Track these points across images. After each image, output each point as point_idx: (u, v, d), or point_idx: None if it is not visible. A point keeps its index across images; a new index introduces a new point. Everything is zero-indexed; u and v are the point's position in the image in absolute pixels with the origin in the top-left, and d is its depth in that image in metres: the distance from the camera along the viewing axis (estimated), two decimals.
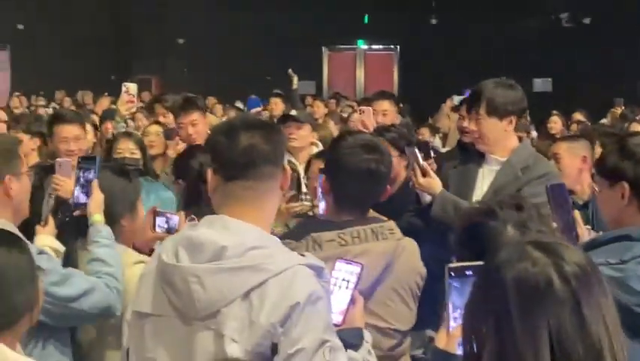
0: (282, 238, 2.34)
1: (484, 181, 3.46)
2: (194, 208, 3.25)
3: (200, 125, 4.73)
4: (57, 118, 4.48)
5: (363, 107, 5.07)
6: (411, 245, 2.58)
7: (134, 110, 5.04)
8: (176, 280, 1.93)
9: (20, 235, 2.41)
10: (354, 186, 2.51)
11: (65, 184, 3.30)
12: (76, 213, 2.97)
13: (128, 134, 4.58)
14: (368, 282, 2.36)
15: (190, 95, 4.99)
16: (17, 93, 14.97)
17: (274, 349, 1.86)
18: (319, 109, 8.70)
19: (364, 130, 4.40)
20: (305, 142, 4.69)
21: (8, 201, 2.60)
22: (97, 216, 2.81)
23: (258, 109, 11.27)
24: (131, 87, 5.08)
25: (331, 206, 2.58)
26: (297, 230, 2.54)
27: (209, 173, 2.07)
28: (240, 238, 1.93)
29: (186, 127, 4.76)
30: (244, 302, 1.88)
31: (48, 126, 4.46)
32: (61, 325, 2.68)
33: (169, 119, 5.37)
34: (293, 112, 5.21)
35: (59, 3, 17.60)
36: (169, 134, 5.30)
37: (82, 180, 3.01)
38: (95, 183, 2.87)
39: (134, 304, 2.12)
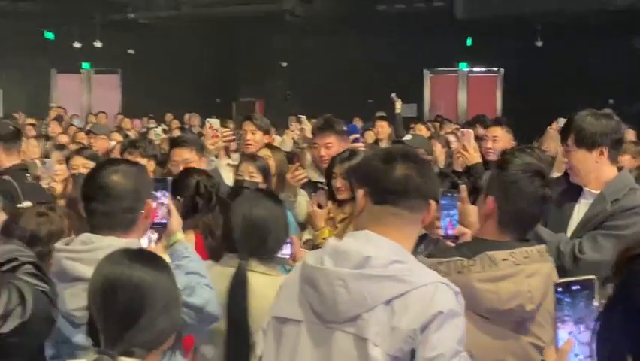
0: (446, 254, 2.47)
1: (579, 215, 3.38)
2: (191, 219, 3.59)
3: (333, 148, 4.71)
4: (172, 142, 4.72)
5: (464, 130, 5.04)
6: None
7: (220, 144, 5.12)
8: (321, 282, 2.04)
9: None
10: (527, 210, 2.56)
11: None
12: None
13: (252, 158, 4.69)
14: (536, 303, 2.41)
15: (330, 117, 5.03)
16: (120, 116, 15.48)
17: (412, 355, 1.95)
18: (422, 132, 8.68)
19: (464, 154, 4.40)
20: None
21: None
22: (179, 235, 2.91)
23: (356, 135, 11.29)
24: (214, 123, 5.16)
25: (493, 227, 2.58)
26: (465, 248, 2.56)
27: (360, 193, 2.19)
28: (383, 251, 2.04)
29: (320, 148, 4.83)
30: (386, 309, 1.97)
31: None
32: (197, 333, 2.82)
33: (256, 136, 5.41)
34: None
35: (167, 28, 18.17)
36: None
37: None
38: (172, 204, 2.94)
39: (272, 311, 2.22)
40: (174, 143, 4.84)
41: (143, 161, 4.64)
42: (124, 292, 2.06)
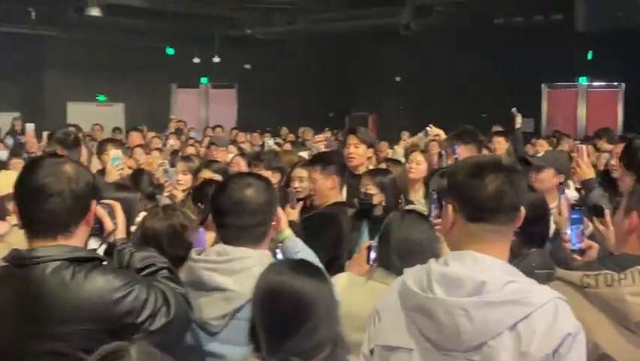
0: (590, 268, 2.43)
1: None
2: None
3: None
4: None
5: (579, 146, 4.92)
6: None
7: None
8: (438, 312, 2.00)
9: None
10: None
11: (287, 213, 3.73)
12: None
13: (372, 174, 4.74)
14: None
15: (468, 128, 5.09)
16: (235, 130, 15.80)
17: None
18: (543, 147, 8.51)
19: (577, 169, 4.31)
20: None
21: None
22: (287, 232, 3.07)
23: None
24: None
25: (638, 242, 2.53)
26: (609, 262, 2.50)
27: (449, 209, 2.16)
28: (494, 272, 2.02)
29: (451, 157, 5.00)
30: (511, 334, 1.95)
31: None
32: None
33: (359, 149, 5.47)
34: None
35: (283, 43, 18.49)
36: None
37: None
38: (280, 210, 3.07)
39: (377, 339, 2.19)
40: None
41: (267, 173, 4.78)
42: (287, 300, 2.13)
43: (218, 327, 2.56)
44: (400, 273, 2.85)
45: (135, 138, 9.55)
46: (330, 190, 4.49)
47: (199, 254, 2.74)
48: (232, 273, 2.56)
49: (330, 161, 4.62)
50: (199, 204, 4.30)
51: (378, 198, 4.46)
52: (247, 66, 19.98)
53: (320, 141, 6.54)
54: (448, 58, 17.24)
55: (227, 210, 2.69)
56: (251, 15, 17.07)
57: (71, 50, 18.07)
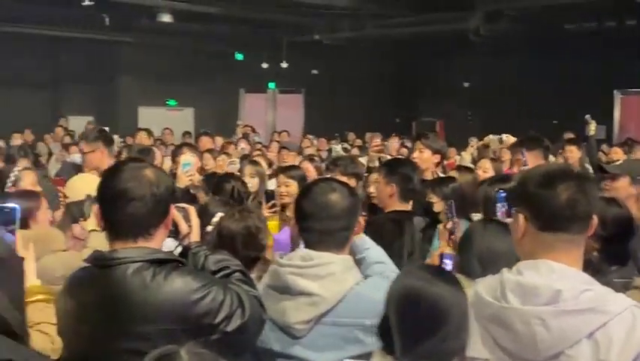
0: None
1: None
2: None
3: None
4: None
5: None
6: None
7: None
8: (514, 322, 2.01)
9: None
10: None
11: None
12: None
13: (433, 182, 4.73)
14: None
15: (534, 134, 5.08)
16: (279, 132, 15.89)
17: None
18: (617, 155, 8.35)
19: None
20: None
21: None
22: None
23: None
24: None
25: None
26: None
27: (520, 218, 2.15)
28: (570, 281, 2.01)
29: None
30: (589, 343, 1.95)
31: None
32: None
33: (424, 154, 5.46)
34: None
35: (350, 49, 18.52)
36: None
37: None
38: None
39: None
40: None
41: (343, 179, 4.81)
42: (425, 305, 2.14)
43: (302, 331, 2.58)
44: None
45: (205, 142, 9.68)
46: (389, 198, 4.44)
47: (280, 257, 2.76)
48: (318, 278, 2.57)
49: (394, 168, 4.61)
50: (216, 195, 4.50)
51: (438, 206, 4.44)
52: (314, 71, 20.08)
53: (376, 146, 6.57)
54: (518, 64, 17.03)
55: (311, 214, 2.71)
56: (319, 21, 17.15)
57: (143, 55, 18.48)
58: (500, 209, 3.71)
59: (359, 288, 2.57)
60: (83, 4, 14.50)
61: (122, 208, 2.34)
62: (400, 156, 6.85)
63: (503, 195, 3.79)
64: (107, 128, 10.29)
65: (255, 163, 6.09)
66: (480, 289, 2.15)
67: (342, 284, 2.56)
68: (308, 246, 2.70)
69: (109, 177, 2.43)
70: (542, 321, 1.97)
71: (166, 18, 15.99)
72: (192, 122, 19.21)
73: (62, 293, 2.46)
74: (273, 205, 5.20)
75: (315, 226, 2.68)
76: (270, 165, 7.77)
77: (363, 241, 2.99)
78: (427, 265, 2.49)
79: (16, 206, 3.27)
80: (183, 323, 2.26)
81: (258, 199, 5.35)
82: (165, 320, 2.26)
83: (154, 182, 2.38)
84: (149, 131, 10.17)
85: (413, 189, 4.49)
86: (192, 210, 2.71)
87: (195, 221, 2.68)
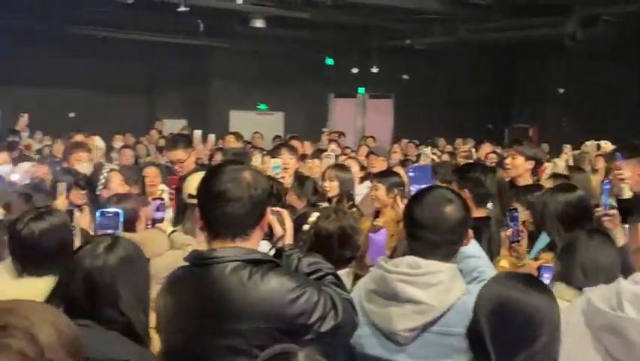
0: None
1: None
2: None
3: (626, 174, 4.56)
4: None
5: None
6: None
7: None
8: (630, 332, 2.05)
9: None
10: None
11: None
12: None
13: (520, 190, 4.69)
14: None
15: (632, 142, 4.98)
16: (367, 137, 15.87)
17: None
18: None
19: None
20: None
21: None
22: None
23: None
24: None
25: None
26: None
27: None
28: None
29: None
30: None
31: None
32: None
33: (516, 160, 5.45)
34: None
35: (442, 54, 18.45)
36: None
37: None
38: None
39: (566, 358, 2.20)
40: None
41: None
42: (521, 316, 2.15)
43: (407, 339, 2.56)
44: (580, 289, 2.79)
45: (296, 146, 9.77)
46: None
47: (386, 263, 2.73)
48: (427, 286, 2.54)
49: (465, 173, 4.54)
50: None
51: (523, 215, 4.35)
52: (405, 77, 20.07)
53: (464, 152, 6.57)
54: (615, 69, 16.60)
55: (425, 225, 2.66)
56: (411, 26, 17.14)
57: (235, 60, 18.81)
58: (512, 227, 3.85)
59: (466, 298, 2.53)
60: (179, 10, 14.88)
61: (220, 209, 2.41)
62: (470, 161, 6.77)
63: (516, 215, 3.92)
64: (200, 131, 10.59)
65: (339, 166, 6.10)
66: (593, 297, 2.14)
67: (450, 293, 2.53)
68: (415, 253, 2.67)
69: (209, 179, 2.49)
70: None
71: (258, 24, 16.25)
72: (282, 126, 19.43)
73: (162, 291, 2.53)
74: (352, 206, 5.26)
75: (428, 236, 2.64)
76: (362, 168, 7.82)
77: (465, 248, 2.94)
78: (517, 273, 2.42)
79: (120, 210, 3.46)
80: (278, 321, 2.31)
81: (341, 202, 5.39)
82: (260, 318, 2.31)
83: (252, 184, 2.44)
84: (237, 135, 10.35)
85: (486, 193, 4.42)
86: (286, 213, 2.76)
87: (289, 224, 2.73)
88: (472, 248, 2.95)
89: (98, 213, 3.48)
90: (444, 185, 3.56)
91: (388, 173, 5.54)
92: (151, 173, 6.10)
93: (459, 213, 2.68)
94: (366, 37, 18.02)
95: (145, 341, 2.40)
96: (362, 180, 7.10)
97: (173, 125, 16.79)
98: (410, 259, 2.66)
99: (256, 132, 14.04)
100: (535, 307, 2.14)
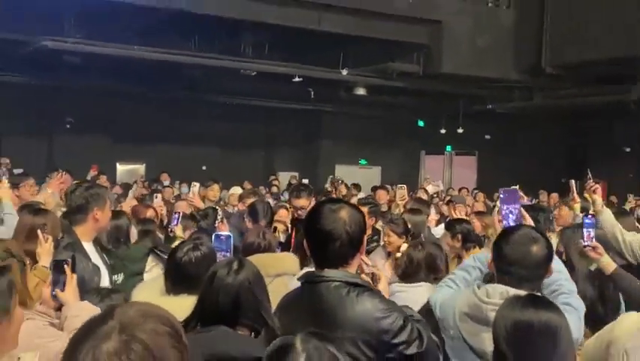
0: None
1: None
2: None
3: None
4: None
5: None
6: None
7: None
8: None
9: None
10: None
11: None
12: None
13: None
14: None
15: None
16: (476, 191, 15.83)
17: None
18: None
19: None
20: None
21: None
22: None
23: None
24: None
25: None
26: None
27: None
28: None
29: None
30: None
31: None
32: None
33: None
34: None
35: (521, 116, 18.28)
36: None
37: None
38: None
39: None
40: None
41: None
42: (537, 334, 2.11)
43: None
44: None
45: (381, 195, 10.04)
46: None
47: (479, 290, 2.74)
48: None
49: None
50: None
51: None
52: (487, 136, 19.96)
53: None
54: None
55: (514, 261, 2.66)
56: (493, 92, 17.18)
57: (340, 122, 19.08)
58: (586, 233, 3.86)
59: None
60: (293, 80, 15.47)
61: (325, 247, 2.47)
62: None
63: (589, 221, 3.93)
64: (306, 181, 10.99)
65: (412, 210, 6.11)
66: None
67: (496, 315, 2.44)
68: (505, 283, 2.67)
69: (313, 219, 2.54)
70: None
71: (360, 91, 16.60)
72: (379, 179, 19.63)
73: (282, 303, 2.61)
74: None
75: (517, 271, 2.65)
76: (441, 215, 8.10)
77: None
78: (523, 296, 2.31)
79: (230, 234, 3.60)
80: (365, 334, 2.31)
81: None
82: (352, 329, 2.31)
83: (348, 222, 2.46)
84: (336, 183, 10.68)
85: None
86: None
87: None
88: (554, 263, 2.85)
89: (214, 236, 3.57)
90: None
91: (463, 220, 5.70)
92: (283, 213, 6.35)
93: (544, 250, 2.68)
94: (453, 103, 18.04)
95: None
96: (437, 223, 7.38)
97: (286, 177, 17.27)
98: (502, 288, 2.66)
99: (353, 184, 13.95)
100: (547, 324, 2.11)
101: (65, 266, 2.88)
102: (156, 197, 7.95)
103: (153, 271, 4.12)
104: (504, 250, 2.70)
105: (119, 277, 4.08)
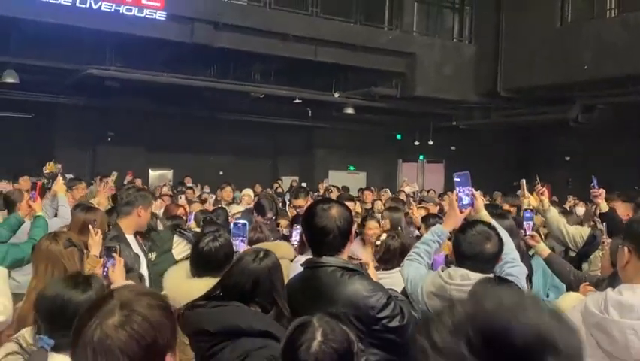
0: None
1: None
2: None
3: None
4: None
5: None
6: None
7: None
8: (613, 330, 1.88)
9: None
10: None
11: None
12: None
13: None
14: None
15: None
16: (427, 190, 15.85)
17: None
18: None
19: None
20: None
21: None
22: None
23: None
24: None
25: None
26: None
27: (625, 250, 1.98)
28: None
29: None
30: None
31: None
32: None
33: None
34: None
35: (480, 132, 18.29)
36: None
37: None
38: None
39: None
40: None
41: None
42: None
43: None
44: None
45: (367, 195, 10.07)
46: None
47: (443, 273, 2.71)
48: None
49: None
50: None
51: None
52: (452, 147, 19.96)
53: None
54: (610, 143, 16.18)
55: (470, 257, 2.63)
56: (457, 111, 17.20)
57: (333, 135, 18.97)
58: (526, 225, 3.91)
59: None
60: (294, 102, 15.49)
61: (321, 240, 2.47)
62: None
63: (529, 215, 3.98)
64: (304, 184, 10.97)
65: (393, 210, 6.01)
66: (589, 302, 1.98)
67: None
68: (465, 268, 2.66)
69: (309, 218, 2.53)
70: (634, 332, 1.85)
71: (349, 110, 16.59)
72: (365, 182, 19.57)
73: (287, 285, 2.59)
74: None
75: (473, 264, 2.63)
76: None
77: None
78: (488, 278, 2.32)
79: (246, 222, 3.58)
80: (354, 310, 2.30)
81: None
82: (345, 305, 2.30)
83: (337, 217, 2.46)
84: (331, 188, 10.68)
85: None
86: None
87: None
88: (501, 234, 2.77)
89: (232, 225, 3.53)
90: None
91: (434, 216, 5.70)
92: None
93: (495, 248, 2.62)
94: (425, 120, 18.02)
95: (284, 322, 2.39)
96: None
97: (288, 181, 17.24)
98: (462, 271, 2.64)
99: (343, 186, 13.96)
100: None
101: (114, 253, 2.92)
102: (181, 197, 8.01)
103: (180, 247, 4.12)
104: (462, 247, 2.68)
105: (153, 255, 4.08)
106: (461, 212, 2.91)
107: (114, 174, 6.90)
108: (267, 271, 2.47)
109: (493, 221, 2.86)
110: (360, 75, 15.20)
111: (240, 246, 3.32)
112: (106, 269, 2.87)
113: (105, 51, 12.62)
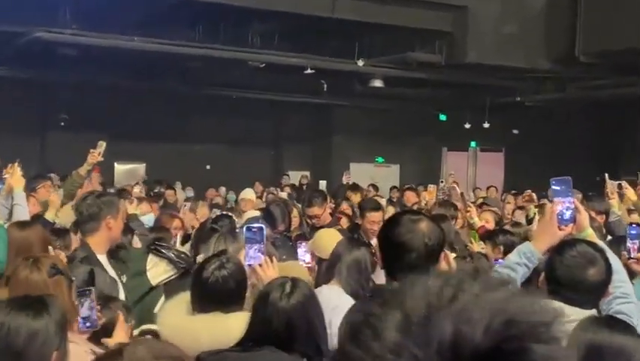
0: None
1: None
2: None
3: None
4: None
5: None
6: None
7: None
8: None
9: None
10: None
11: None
12: None
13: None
14: None
15: None
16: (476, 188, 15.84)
17: None
18: None
19: None
20: None
21: None
22: (589, 231, 2.96)
23: None
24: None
25: None
26: None
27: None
28: None
29: None
30: None
31: None
32: None
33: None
34: None
35: (552, 110, 18.26)
36: None
37: None
38: None
39: None
40: None
41: None
42: (612, 359, 2.14)
43: None
44: None
45: (410, 196, 10.01)
46: None
47: None
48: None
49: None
50: None
51: None
52: (515, 131, 19.96)
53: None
54: None
55: (566, 284, 2.68)
56: (521, 83, 17.18)
57: (355, 116, 19.12)
58: (632, 245, 3.86)
59: None
60: (305, 72, 15.50)
61: (401, 257, 2.49)
62: None
63: (635, 232, 3.92)
64: (325, 182, 11.02)
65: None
66: None
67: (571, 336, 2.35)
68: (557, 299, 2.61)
69: (388, 229, 2.59)
70: None
71: (377, 83, 16.59)
72: (398, 178, 19.62)
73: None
74: None
75: (568, 295, 2.62)
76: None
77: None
78: (599, 317, 2.36)
79: (262, 226, 3.53)
80: None
81: None
82: None
83: (427, 234, 2.51)
84: (354, 185, 10.67)
85: None
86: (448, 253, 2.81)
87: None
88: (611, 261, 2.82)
89: (245, 229, 3.54)
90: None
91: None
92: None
93: (602, 273, 2.66)
94: (478, 95, 18.06)
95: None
96: None
97: (296, 176, 17.26)
98: (557, 305, 2.49)
99: (371, 184, 14.05)
100: (620, 348, 2.13)
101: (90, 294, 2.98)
102: (184, 205, 8.04)
103: (159, 269, 4.19)
104: (557, 271, 2.71)
105: (124, 279, 4.17)
106: (560, 229, 2.89)
107: (102, 144, 6.53)
108: (299, 308, 2.55)
109: (600, 242, 2.90)
110: (392, 37, 15.25)
111: (257, 257, 3.34)
112: (87, 323, 2.92)
113: (58, 9, 12.75)
